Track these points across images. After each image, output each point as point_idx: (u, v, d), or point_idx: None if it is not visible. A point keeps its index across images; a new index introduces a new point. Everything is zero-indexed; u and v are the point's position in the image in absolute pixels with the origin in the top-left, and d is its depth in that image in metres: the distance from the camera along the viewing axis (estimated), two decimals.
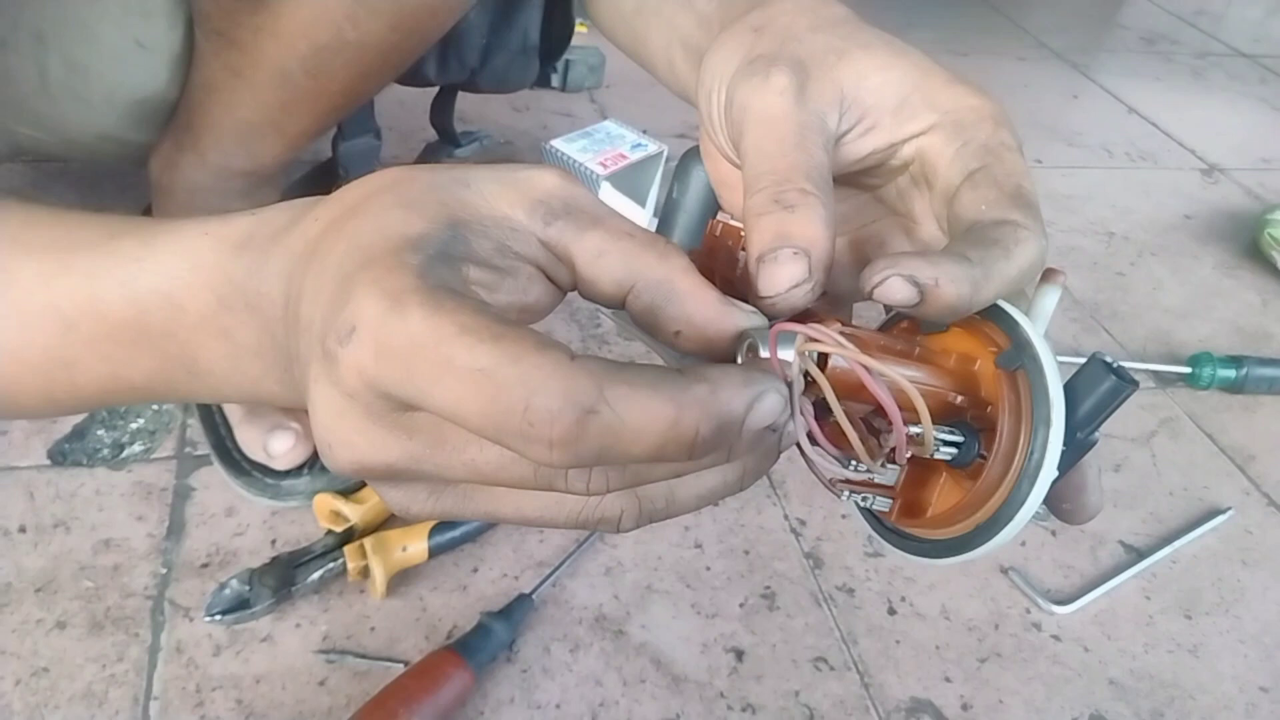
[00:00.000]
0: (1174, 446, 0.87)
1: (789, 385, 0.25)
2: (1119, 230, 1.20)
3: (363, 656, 0.59)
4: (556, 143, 0.96)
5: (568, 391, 0.21)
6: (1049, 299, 0.30)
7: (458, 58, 0.84)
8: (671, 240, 0.28)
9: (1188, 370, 0.93)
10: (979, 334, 0.29)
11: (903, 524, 0.31)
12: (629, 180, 0.95)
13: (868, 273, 0.28)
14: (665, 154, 0.98)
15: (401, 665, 0.58)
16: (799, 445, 0.26)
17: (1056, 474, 0.27)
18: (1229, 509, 0.80)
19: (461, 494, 0.27)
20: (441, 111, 0.93)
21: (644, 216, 0.94)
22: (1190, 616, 0.71)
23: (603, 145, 0.96)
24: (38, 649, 0.56)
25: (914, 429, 0.27)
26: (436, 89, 0.93)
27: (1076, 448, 0.28)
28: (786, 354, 0.26)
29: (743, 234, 0.30)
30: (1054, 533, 0.76)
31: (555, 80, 1.23)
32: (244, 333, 0.29)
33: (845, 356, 0.26)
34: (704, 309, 0.27)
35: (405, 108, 1.01)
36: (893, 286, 0.27)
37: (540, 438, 0.21)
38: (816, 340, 0.26)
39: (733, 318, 0.27)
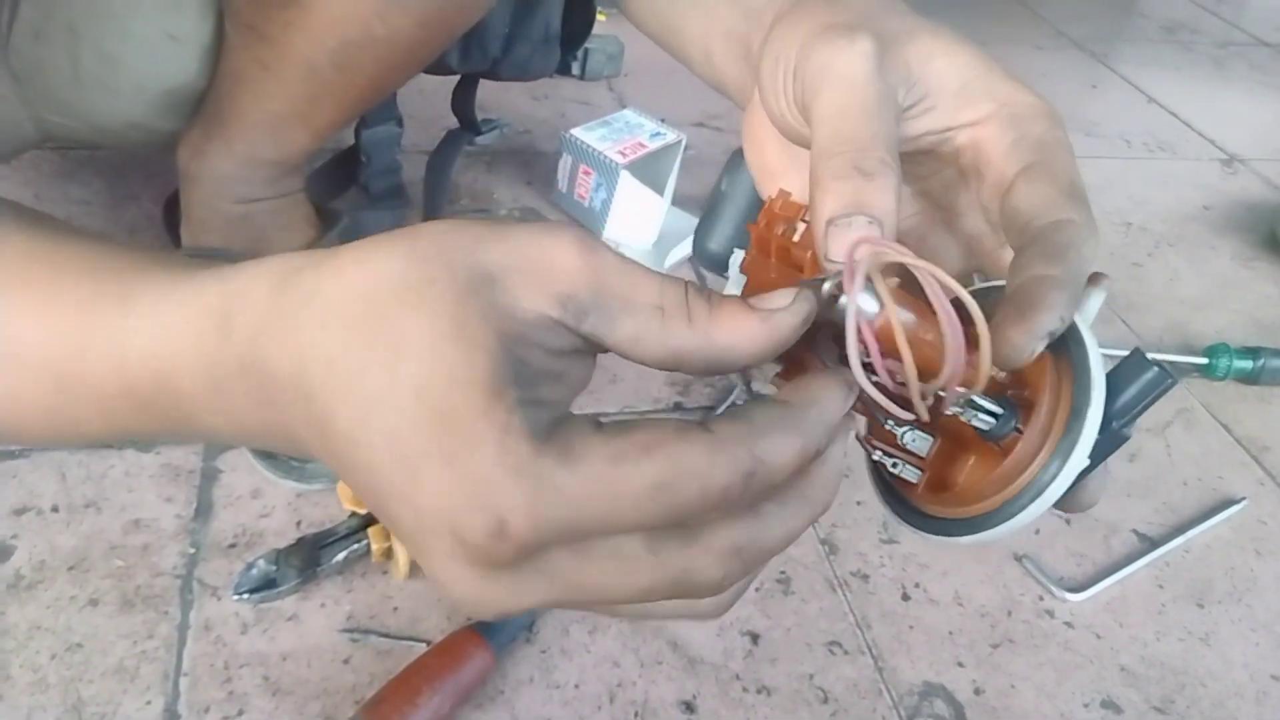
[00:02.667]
0: (1189, 437, 0.87)
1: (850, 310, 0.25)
2: (1136, 221, 1.20)
3: (386, 635, 0.60)
4: (576, 131, 0.96)
5: (731, 472, 0.24)
6: (1095, 300, 0.31)
7: (480, 47, 0.85)
8: (695, 285, 0.28)
9: (1204, 361, 0.93)
10: None
11: (926, 500, 0.31)
12: (647, 169, 0.96)
13: (1025, 344, 0.27)
14: (684, 142, 0.98)
15: (424, 645, 0.59)
16: (858, 377, 0.26)
17: (1089, 461, 0.27)
18: (1243, 499, 0.80)
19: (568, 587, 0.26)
20: (463, 99, 0.94)
21: (662, 204, 0.94)
22: (1202, 605, 0.72)
23: (621, 134, 0.97)
24: (71, 625, 0.58)
25: (968, 389, 0.27)
26: (458, 77, 0.94)
27: (1111, 438, 0.28)
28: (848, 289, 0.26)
29: (804, 206, 0.31)
30: (1068, 521, 0.76)
31: (575, 68, 1.24)
32: (243, 412, 0.28)
33: (919, 266, 0.25)
34: (751, 345, 0.27)
35: (425, 95, 1.01)
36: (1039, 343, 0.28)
37: (707, 578, 0.25)
38: (886, 251, 0.26)
39: (779, 332, 0.27)
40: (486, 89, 0.96)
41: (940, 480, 0.30)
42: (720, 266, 0.41)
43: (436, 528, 0.24)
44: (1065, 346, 0.28)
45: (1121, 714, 0.64)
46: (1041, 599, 0.70)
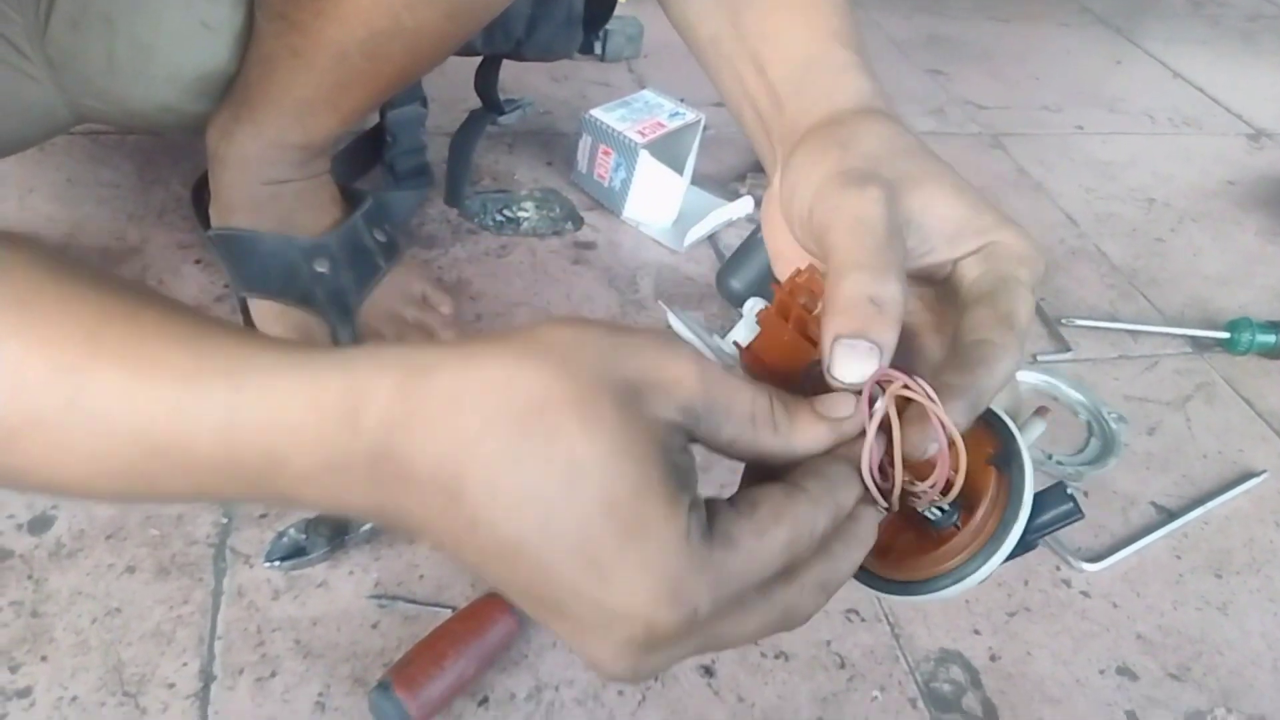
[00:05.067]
0: (1209, 411, 0.87)
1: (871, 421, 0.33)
2: (1159, 197, 1.19)
3: (413, 602, 0.62)
4: (596, 112, 0.97)
5: (827, 518, 0.30)
6: (1036, 429, 0.38)
7: (503, 28, 0.86)
8: (776, 394, 0.33)
9: (1226, 335, 0.93)
10: (978, 430, 0.35)
11: (868, 559, 0.36)
12: (666, 148, 0.96)
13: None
14: (703, 122, 0.99)
15: (449, 610, 0.61)
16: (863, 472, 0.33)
17: (1004, 560, 0.34)
18: (1263, 472, 0.80)
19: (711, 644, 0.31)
20: (486, 80, 0.95)
21: (681, 184, 0.95)
22: (1220, 575, 0.72)
23: (641, 114, 0.97)
24: (110, 591, 0.60)
25: (949, 488, 0.33)
26: (481, 57, 0.95)
27: (1024, 546, 0.34)
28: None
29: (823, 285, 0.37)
30: (1085, 493, 0.77)
31: (597, 49, 1.24)
32: (358, 496, 0.29)
33: (930, 408, 0.32)
34: (819, 447, 0.33)
35: (448, 76, 1.02)
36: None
37: (806, 604, 0.32)
38: (909, 389, 0.33)
39: (843, 436, 0.33)
40: (507, 71, 0.97)
41: (882, 546, 0.35)
42: (737, 302, 0.46)
43: (628, 621, 0.28)
44: (1009, 467, 0.34)
45: (1137, 680, 0.64)
46: (1059, 569, 0.71)
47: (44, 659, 0.55)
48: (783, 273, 0.45)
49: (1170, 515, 0.76)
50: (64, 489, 0.32)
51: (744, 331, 0.40)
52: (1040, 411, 0.39)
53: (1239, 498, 0.78)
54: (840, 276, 0.34)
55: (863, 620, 0.65)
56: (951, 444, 0.32)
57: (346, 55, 0.66)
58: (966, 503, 0.34)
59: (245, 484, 0.30)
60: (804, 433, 0.33)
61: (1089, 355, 0.91)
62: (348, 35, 0.65)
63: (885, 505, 0.34)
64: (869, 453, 0.33)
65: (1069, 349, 0.91)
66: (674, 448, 0.30)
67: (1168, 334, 0.95)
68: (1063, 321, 0.93)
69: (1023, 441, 0.35)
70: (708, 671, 0.61)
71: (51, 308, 0.31)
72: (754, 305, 0.41)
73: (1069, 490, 0.35)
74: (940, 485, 0.33)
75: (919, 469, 0.33)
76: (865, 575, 0.36)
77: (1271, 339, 0.92)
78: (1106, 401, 0.85)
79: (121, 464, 0.31)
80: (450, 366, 0.28)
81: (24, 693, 0.54)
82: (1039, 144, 1.27)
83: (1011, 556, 0.34)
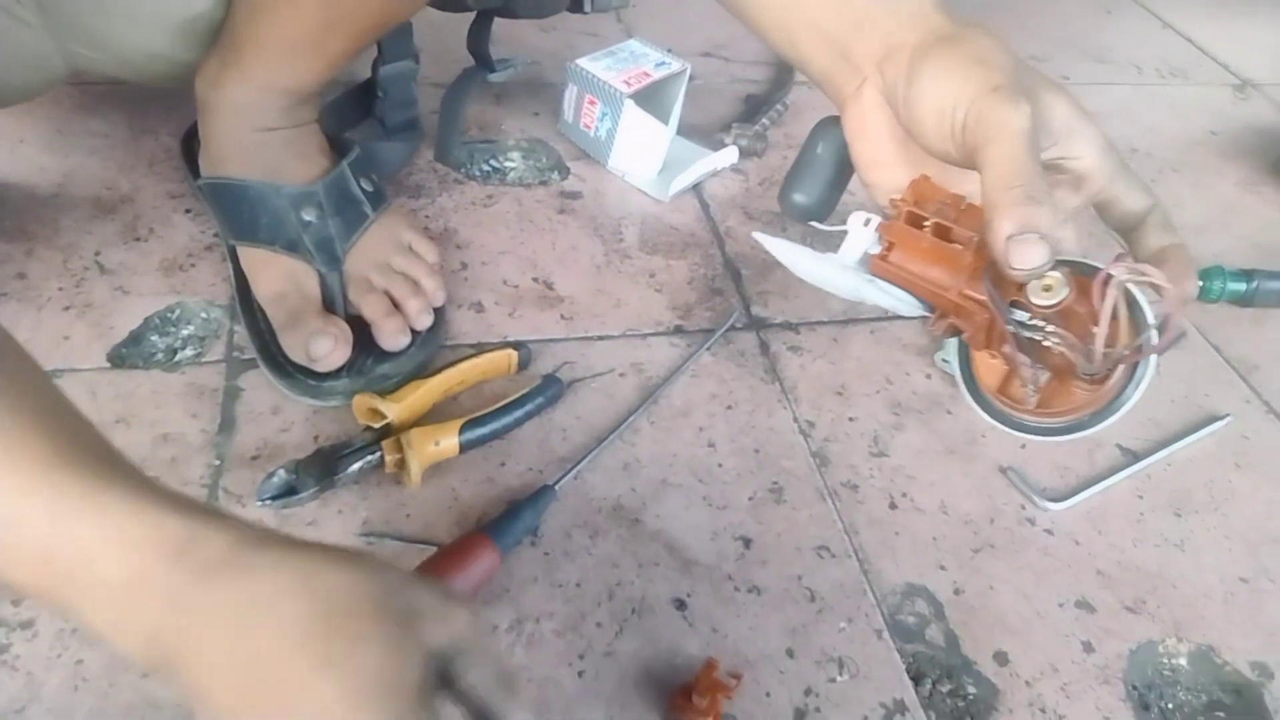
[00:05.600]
0: (1178, 357, 0.89)
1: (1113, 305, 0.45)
2: (1142, 147, 1.20)
3: (399, 539, 0.64)
4: (581, 61, 0.98)
5: None
6: (1171, 302, 0.49)
7: None
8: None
9: (1198, 284, 0.95)
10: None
11: (1033, 413, 0.49)
12: (652, 98, 0.97)
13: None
14: (689, 72, 1.00)
15: (435, 548, 0.63)
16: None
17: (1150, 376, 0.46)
18: (1227, 416, 0.83)
19: None
20: (478, 38, 0.95)
21: (667, 134, 0.96)
22: (1180, 514, 0.75)
23: (626, 64, 0.98)
24: None
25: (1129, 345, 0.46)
26: (473, 14, 0.95)
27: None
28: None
29: (950, 193, 0.48)
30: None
31: (586, 4, 1.24)
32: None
33: (1162, 286, 0.45)
34: None
35: (439, 30, 1.03)
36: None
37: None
38: (1146, 275, 0.45)
39: None
40: (497, 23, 0.98)
41: (1042, 401, 0.47)
42: (805, 216, 0.54)
43: None
44: (1142, 330, 0.46)
45: (1095, 613, 0.67)
46: (1024, 508, 0.73)
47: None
48: (878, 180, 0.52)
49: (1135, 457, 0.78)
50: None
51: (855, 246, 0.48)
52: (1168, 290, 0.49)
53: (1203, 441, 0.81)
54: (1001, 185, 0.42)
55: (833, 556, 0.68)
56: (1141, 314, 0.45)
57: None
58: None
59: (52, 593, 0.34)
60: None
61: None
62: None
63: (1092, 370, 0.45)
64: (1106, 320, 0.43)
65: None
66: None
67: (1139, 282, 0.97)
68: None
69: (1150, 311, 0.46)
70: (682, 604, 0.64)
71: None
72: (858, 218, 0.49)
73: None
74: (1131, 349, 0.45)
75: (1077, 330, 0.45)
76: (1029, 426, 0.48)
77: (1242, 286, 0.94)
78: None
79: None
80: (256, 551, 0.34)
81: (27, 624, 0.57)
82: None
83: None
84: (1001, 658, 0.64)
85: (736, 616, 0.63)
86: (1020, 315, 0.46)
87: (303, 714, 0.31)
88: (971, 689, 0.62)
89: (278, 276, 0.74)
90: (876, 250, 0.51)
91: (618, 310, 0.84)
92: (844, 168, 0.54)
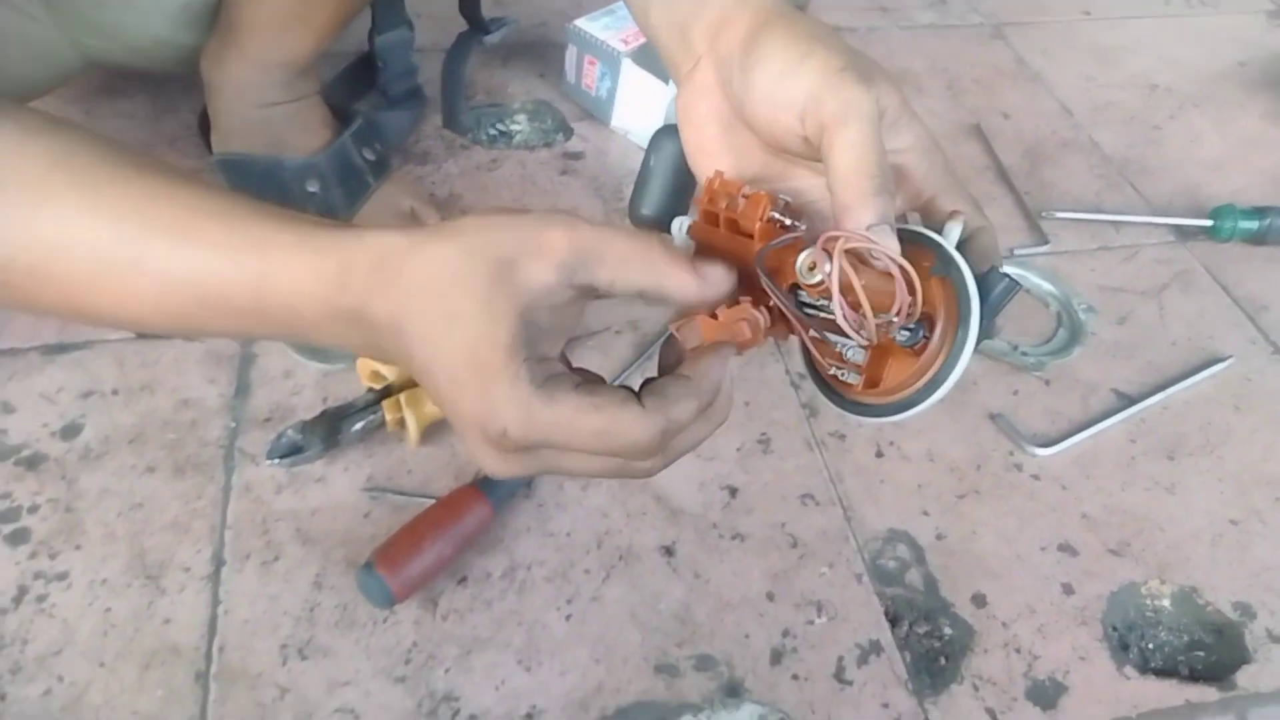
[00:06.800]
0: (1184, 299, 0.89)
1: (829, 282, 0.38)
2: (1163, 82, 1.17)
3: (401, 494, 0.68)
4: (579, 22, 0.99)
5: (651, 431, 0.37)
6: (955, 230, 0.41)
7: None
8: (657, 242, 0.39)
9: (1209, 223, 0.94)
10: (911, 250, 0.39)
11: (863, 395, 0.42)
12: (651, 56, 0.97)
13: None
14: None
15: (433, 501, 0.67)
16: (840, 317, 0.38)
17: (973, 347, 0.38)
18: (1229, 357, 0.82)
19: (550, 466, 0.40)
20: (469, 1, 0.97)
21: (667, 91, 0.97)
22: (1173, 458, 0.75)
23: (624, 23, 0.99)
24: (133, 489, 0.67)
25: (906, 304, 0.38)
26: None
27: (984, 333, 0.39)
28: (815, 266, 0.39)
29: (742, 184, 0.43)
30: (1047, 382, 0.80)
31: None
32: (349, 336, 0.41)
33: (884, 251, 0.38)
34: (689, 293, 0.39)
35: None
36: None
37: (640, 466, 0.39)
38: (858, 241, 0.38)
39: (713, 290, 0.40)
40: None
41: (872, 380, 0.41)
42: (654, 227, 0.51)
43: (472, 426, 0.38)
44: (948, 270, 0.39)
45: (1077, 556, 0.69)
46: (1011, 454, 0.74)
47: (78, 548, 0.63)
48: (703, 165, 0.48)
49: (1130, 401, 0.79)
50: (131, 326, 0.45)
51: (683, 249, 0.45)
52: (953, 215, 0.42)
53: (1202, 383, 0.81)
54: (856, 174, 0.40)
55: (817, 504, 0.70)
56: (903, 271, 0.38)
57: None
58: (927, 317, 0.39)
59: (271, 326, 0.42)
60: (673, 277, 0.39)
61: (1069, 248, 0.93)
62: None
63: (865, 341, 0.40)
64: (839, 305, 0.38)
65: (1046, 241, 0.92)
66: (543, 305, 0.38)
67: (1150, 224, 0.96)
68: (1043, 215, 0.95)
69: (947, 243, 0.40)
70: (668, 551, 0.66)
71: (107, 189, 0.41)
72: (681, 223, 0.46)
73: (1006, 272, 0.40)
74: (904, 310, 0.38)
75: (880, 303, 0.38)
76: (867, 408, 0.42)
77: (1254, 225, 0.92)
78: (1079, 292, 0.87)
79: (177, 308, 0.42)
80: (401, 252, 0.38)
81: (62, 575, 0.62)
82: (1042, 32, 1.25)
83: (979, 344, 0.39)
84: (979, 600, 0.66)
85: (720, 563, 0.66)
86: (805, 297, 0.41)
87: (439, 395, 0.39)
88: (948, 630, 0.64)
89: None
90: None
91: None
92: (681, 175, 0.52)
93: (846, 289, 0.38)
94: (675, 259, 0.39)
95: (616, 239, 0.38)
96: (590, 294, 0.39)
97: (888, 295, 0.38)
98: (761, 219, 0.41)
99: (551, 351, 0.40)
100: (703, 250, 0.45)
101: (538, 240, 0.38)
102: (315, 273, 0.40)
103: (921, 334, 0.39)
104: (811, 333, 0.42)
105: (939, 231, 0.41)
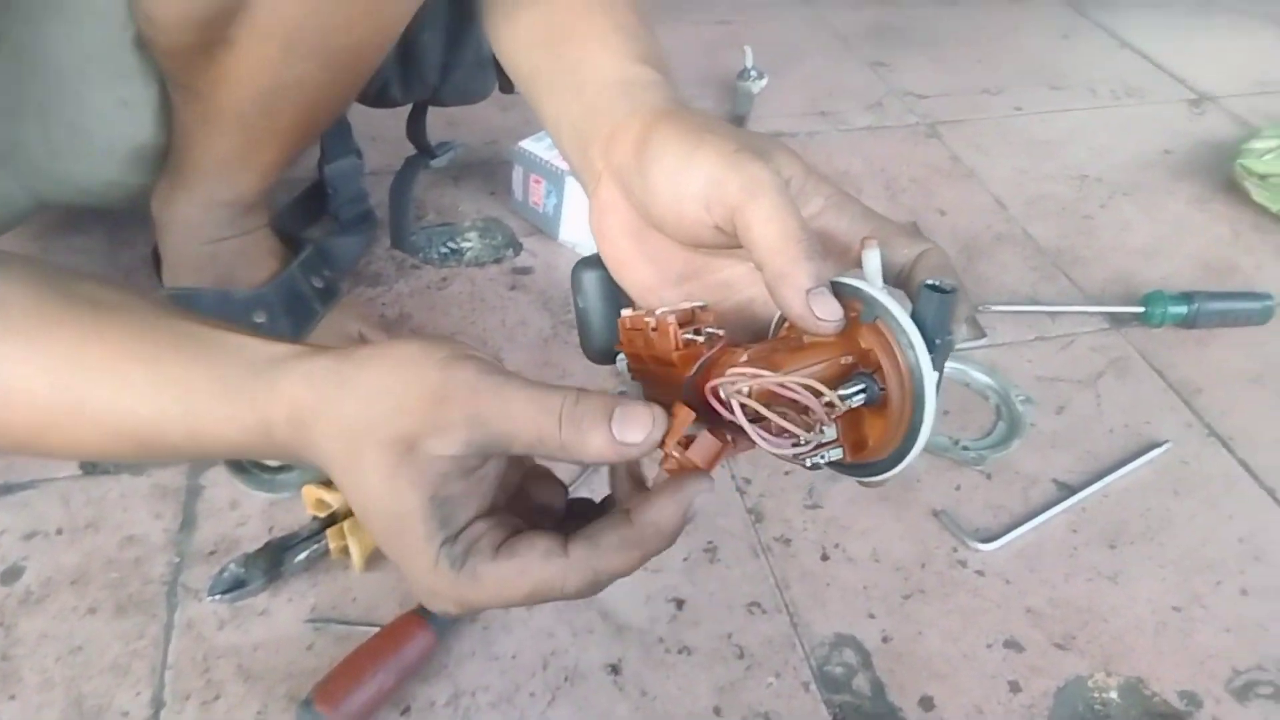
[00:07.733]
0: (1119, 385, 0.91)
1: (734, 417, 0.37)
2: (1093, 173, 1.22)
3: (345, 623, 0.68)
4: (524, 144, 1.03)
5: (579, 584, 0.38)
6: (872, 259, 0.40)
7: (419, 77, 0.91)
8: (564, 404, 0.38)
9: (1141, 309, 0.96)
10: (845, 304, 0.39)
11: (858, 459, 0.41)
12: None
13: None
14: None
15: (378, 629, 0.67)
16: (768, 450, 0.37)
17: (937, 375, 0.37)
18: (1166, 442, 0.84)
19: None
20: (415, 127, 1.01)
21: None
22: (1114, 546, 0.76)
23: None
24: (73, 632, 0.66)
25: (826, 399, 0.37)
26: (409, 106, 1.00)
27: (940, 351, 0.38)
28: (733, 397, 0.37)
29: (646, 319, 0.42)
30: (989, 476, 0.81)
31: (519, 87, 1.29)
32: (294, 461, 0.44)
33: (759, 383, 0.37)
34: (606, 456, 0.38)
35: (385, 117, 1.07)
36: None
37: (574, 600, 0.41)
38: (742, 378, 0.37)
39: (636, 447, 0.38)
40: (457, 107, 1.03)
41: (859, 444, 0.41)
42: (608, 361, 0.50)
43: (417, 592, 0.41)
44: (874, 314, 0.38)
45: (1023, 651, 0.69)
46: (955, 550, 0.75)
47: (12, 698, 0.63)
48: (629, 282, 0.48)
49: (1071, 491, 0.80)
50: (89, 459, 0.53)
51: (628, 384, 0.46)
52: (866, 242, 0.41)
53: (1141, 469, 0.82)
54: (786, 242, 0.39)
55: (764, 612, 0.70)
56: (800, 389, 0.37)
57: (245, 115, 0.73)
58: (873, 365, 0.39)
59: (218, 456, 0.48)
60: (592, 449, 0.38)
61: (1006, 339, 0.95)
62: (241, 96, 0.71)
63: (813, 441, 0.38)
64: (760, 438, 0.37)
65: (984, 335, 0.94)
66: (454, 475, 0.38)
67: (1085, 313, 0.99)
68: (980, 309, 0.97)
69: (867, 285, 0.39)
70: (614, 670, 0.66)
71: (39, 337, 0.44)
72: (622, 361, 0.46)
73: (933, 283, 0.38)
74: (820, 419, 0.37)
75: (795, 416, 0.38)
76: (861, 470, 0.41)
77: (1184, 310, 0.95)
78: (1016, 384, 0.89)
79: (123, 449, 0.45)
80: (310, 410, 0.40)
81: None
82: (976, 129, 1.30)
83: (941, 360, 0.38)
84: (927, 703, 0.65)
85: (666, 679, 0.66)
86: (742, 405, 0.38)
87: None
88: None
89: None
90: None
91: (563, 381, 0.87)
92: (612, 300, 0.51)
93: (762, 416, 0.37)
94: (593, 429, 0.38)
95: (525, 419, 0.38)
96: (504, 455, 0.40)
97: (799, 407, 0.37)
98: (677, 347, 0.40)
99: (472, 513, 0.39)
100: (647, 383, 0.45)
101: (435, 416, 0.38)
102: (239, 426, 0.42)
103: (877, 387, 0.39)
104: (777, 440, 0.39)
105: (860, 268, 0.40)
